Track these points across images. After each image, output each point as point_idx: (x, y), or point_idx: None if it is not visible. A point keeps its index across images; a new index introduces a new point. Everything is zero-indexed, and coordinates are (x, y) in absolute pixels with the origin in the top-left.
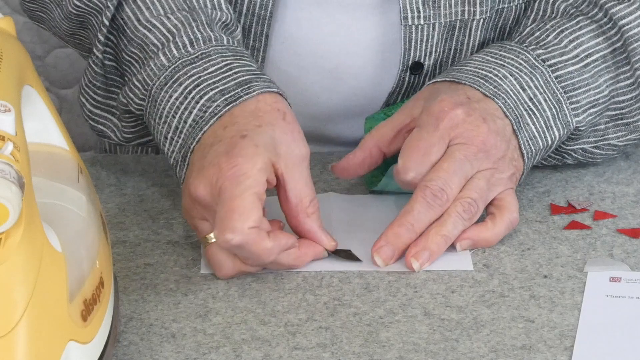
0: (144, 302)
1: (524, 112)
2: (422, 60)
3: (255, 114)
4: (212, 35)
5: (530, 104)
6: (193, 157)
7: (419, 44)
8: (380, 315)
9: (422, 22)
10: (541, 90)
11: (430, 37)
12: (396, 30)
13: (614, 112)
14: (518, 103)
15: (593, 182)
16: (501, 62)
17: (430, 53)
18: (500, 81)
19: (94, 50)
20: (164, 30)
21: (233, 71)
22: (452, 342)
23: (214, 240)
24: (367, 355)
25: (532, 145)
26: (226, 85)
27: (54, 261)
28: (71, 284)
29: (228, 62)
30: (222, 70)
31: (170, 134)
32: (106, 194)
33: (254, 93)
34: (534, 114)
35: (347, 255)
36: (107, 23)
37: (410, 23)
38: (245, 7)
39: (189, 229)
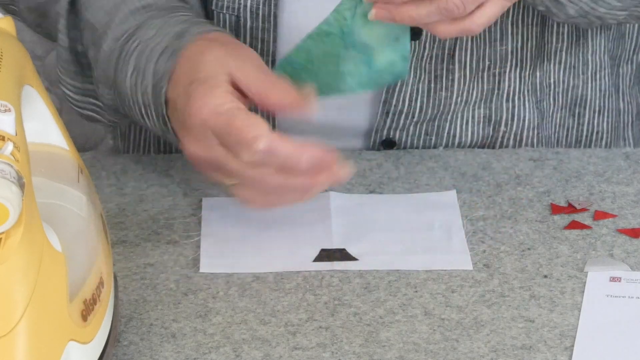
0: (144, 302)
1: None
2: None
3: (195, 60)
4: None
5: None
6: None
7: None
8: (380, 315)
9: None
10: None
11: None
12: None
13: None
14: None
15: (593, 182)
16: None
17: None
18: None
19: (59, 36)
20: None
21: (165, 31)
22: (452, 342)
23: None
24: (367, 355)
25: None
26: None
27: (54, 261)
28: (71, 284)
29: (158, 23)
30: (157, 33)
31: (143, 110)
32: (106, 194)
33: (187, 43)
34: None
35: (342, 255)
36: (66, 7)
37: None
38: None
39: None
